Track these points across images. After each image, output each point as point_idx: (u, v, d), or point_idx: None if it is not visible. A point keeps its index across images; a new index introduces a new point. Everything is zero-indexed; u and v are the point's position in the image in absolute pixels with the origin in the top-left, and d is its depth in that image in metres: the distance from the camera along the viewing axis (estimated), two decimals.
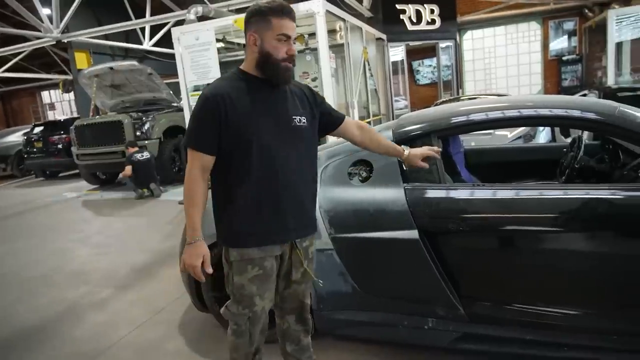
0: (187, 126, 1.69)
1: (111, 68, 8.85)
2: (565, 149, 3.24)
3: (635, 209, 1.89)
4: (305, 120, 1.74)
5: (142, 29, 11.53)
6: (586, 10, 12.51)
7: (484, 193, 2.15)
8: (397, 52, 11.69)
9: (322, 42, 6.15)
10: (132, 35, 12.42)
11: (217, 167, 1.66)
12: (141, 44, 11.79)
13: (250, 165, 1.61)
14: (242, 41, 9.06)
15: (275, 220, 1.68)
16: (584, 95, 6.89)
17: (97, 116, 9.53)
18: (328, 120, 1.90)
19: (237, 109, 1.59)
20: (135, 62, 8.97)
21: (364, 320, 2.33)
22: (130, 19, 10.79)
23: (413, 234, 2.11)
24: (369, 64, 8.55)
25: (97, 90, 9.48)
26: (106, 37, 11.44)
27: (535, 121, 2.72)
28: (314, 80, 8.94)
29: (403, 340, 2.28)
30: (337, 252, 2.28)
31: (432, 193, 2.18)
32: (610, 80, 9.92)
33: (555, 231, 2.00)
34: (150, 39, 11.65)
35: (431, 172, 2.24)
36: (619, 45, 10.61)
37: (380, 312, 2.29)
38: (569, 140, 5.89)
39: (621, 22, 10.26)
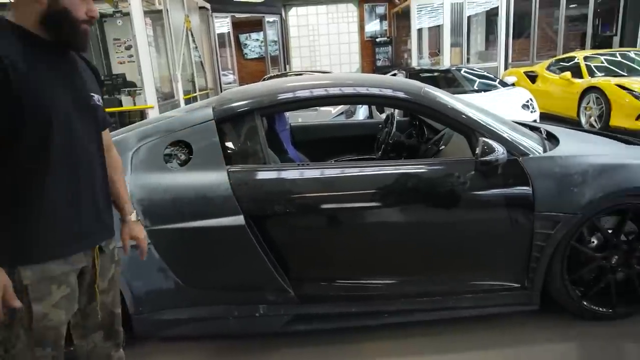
0: None
1: None
2: (380, 125, 3.48)
3: (437, 181, 2.08)
4: (100, 100, 1.43)
5: None
6: None
7: (308, 173, 2.13)
8: (223, 24, 11.28)
9: (135, 5, 5.47)
10: None
11: None
12: None
13: (50, 151, 1.24)
14: None
15: (80, 222, 1.34)
16: (394, 74, 7.64)
17: None
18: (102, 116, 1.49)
19: (26, 75, 1.19)
20: None
21: (191, 317, 2.13)
22: None
23: (239, 219, 1.98)
24: (192, 35, 8.03)
25: None
26: None
27: (355, 99, 2.83)
28: (128, 48, 7.98)
29: (235, 332, 2.17)
30: (155, 246, 2.02)
31: (257, 175, 2.07)
32: (414, 62, 11.25)
33: (372, 207, 2.09)
34: None
35: (255, 152, 2.13)
36: (420, 31, 12.07)
37: (208, 306, 2.13)
38: (384, 116, 6.49)
39: (421, 10, 11.65)
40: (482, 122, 2.17)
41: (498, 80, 7.32)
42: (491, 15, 12.26)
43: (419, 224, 2.12)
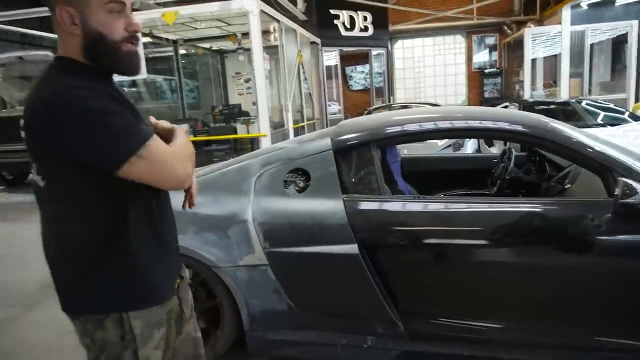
0: (96, 136, 1.05)
1: (20, 58, 8.00)
2: (495, 160, 3.33)
3: (568, 223, 1.93)
4: None
5: None
6: (505, 27, 13.41)
7: (424, 206, 2.10)
8: (331, 57, 11.77)
9: (255, 42, 5.96)
10: (46, 23, 11.35)
11: (98, 198, 1.14)
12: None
13: (146, 189, 1.16)
14: (172, 37, 8.64)
15: (169, 257, 1.31)
16: (506, 107, 7.31)
17: (4, 110, 8.59)
18: None
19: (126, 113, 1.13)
20: (49, 53, 8.18)
21: (300, 340, 2.19)
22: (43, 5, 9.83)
23: (353, 248, 2.01)
24: (303, 68, 8.48)
25: (3, 82, 8.54)
26: (15, 23, 10.34)
27: (470, 133, 2.75)
28: (247, 81, 8.69)
29: None
30: (272, 268, 2.13)
31: (372, 205, 2.10)
32: (527, 94, 10.66)
33: (493, 245, 1.99)
34: None
35: (370, 182, 2.16)
36: (533, 62, 11.45)
37: (318, 331, 2.17)
38: (492, 149, 6.20)
39: (535, 40, 11.09)
40: (619, 160, 1.98)
41: (627, 113, 6.64)
42: (618, 43, 11.26)
43: (543, 267, 1.97)
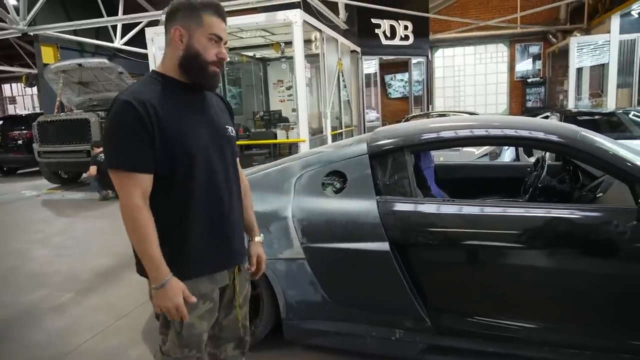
0: (105, 143, 1.39)
1: (80, 64, 8.61)
2: (529, 169, 3.38)
3: (592, 228, 2.00)
4: (233, 131, 1.61)
5: (114, 27, 11.27)
6: (550, 36, 13.14)
7: (454, 208, 2.22)
8: (370, 65, 11.90)
9: (298, 51, 6.20)
10: (102, 32, 12.10)
11: (153, 189, 1.40)
12: (112, 41, 11.51)
13: (194, 183, 1.42)
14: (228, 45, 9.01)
15: (224, 244, 1.53)
16: (546, 117, 7.22)
17: (62, 113, 9.24)
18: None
19: (171, 118, 1.38)
20: (105, 60, 8.76)
21: (332, 330, 2.35)
22: (102, 16, 10.52)
23: (384, 245, 2.16)
24: (343, 75, 8.66)
25: (63, 87, 9.20)
26: (75, 32, 11.11)
27: (502, 141, 2.83)
28: (288, 88, 8.97)
29: (371, 351, 2.31)
30: (308, 262, 2.30)
31: (404, 206, 2.23)
32: (571, 104, 10.41)
33: (519, 247, 2.09)
34: (122, 37, 11.40)
35: (403, 186, 2.30)
36: (579, 71, 11.18)
37: (349, 323, 2.32)
38: (532, 159, 6.15)
39: (582, 49, 10.83)
40: None
41: None
42: None
43: (568, 271, 2.04)
